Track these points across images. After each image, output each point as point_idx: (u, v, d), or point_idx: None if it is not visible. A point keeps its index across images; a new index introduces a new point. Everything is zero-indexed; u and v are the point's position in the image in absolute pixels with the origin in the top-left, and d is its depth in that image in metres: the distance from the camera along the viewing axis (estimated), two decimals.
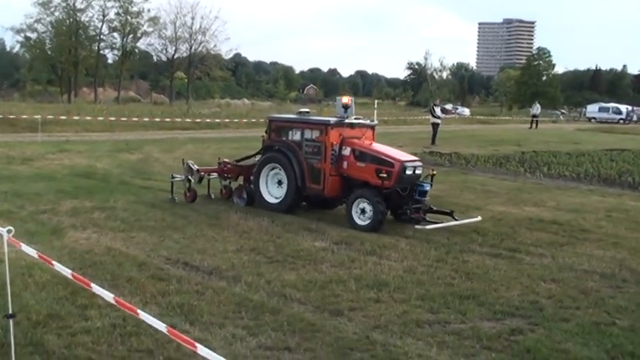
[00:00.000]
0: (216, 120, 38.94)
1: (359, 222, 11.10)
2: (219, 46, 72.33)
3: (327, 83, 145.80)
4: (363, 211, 11.09)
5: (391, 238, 10.50)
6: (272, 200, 12.40)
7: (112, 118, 33.49)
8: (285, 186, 12.18)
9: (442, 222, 11.13)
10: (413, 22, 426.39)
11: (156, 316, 6.56)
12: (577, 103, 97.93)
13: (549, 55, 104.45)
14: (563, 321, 6.94)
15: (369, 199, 11.01)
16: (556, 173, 19.99)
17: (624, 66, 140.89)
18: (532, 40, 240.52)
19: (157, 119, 35.50)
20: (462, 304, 7.30)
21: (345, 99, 12.36)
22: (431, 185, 11.69)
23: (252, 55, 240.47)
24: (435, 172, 12.03)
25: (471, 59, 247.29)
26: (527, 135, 40.15)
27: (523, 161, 22.98)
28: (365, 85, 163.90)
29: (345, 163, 11.67)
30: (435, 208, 11.72)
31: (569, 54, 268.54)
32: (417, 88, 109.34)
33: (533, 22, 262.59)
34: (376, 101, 50.38)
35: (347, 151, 11.67)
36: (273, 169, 12.47)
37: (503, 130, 45.38)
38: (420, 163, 11.68)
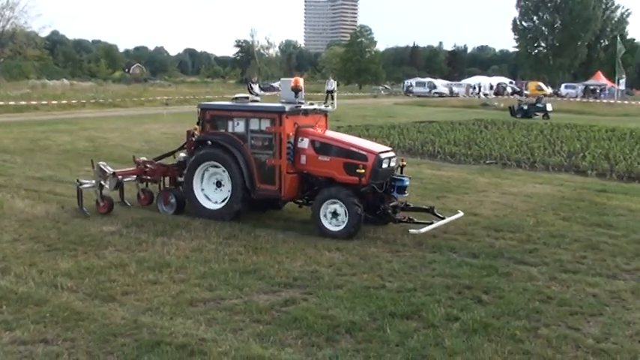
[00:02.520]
0: (25, 102, 36.41)
1: (330, 227, 9.47)
2: (30, 22, 67.46)
3: (154, 61, 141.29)
4: (334, 214, 9.47)
5: (186, 217, 10.33)
6: (210, 205, 10.42)
7: None
8: (226, 188, 10.31)
9: (432, 222, 9.77)
10: None
11: None
12: (398, 78, 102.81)
13: (371, 33, 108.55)
14: (337, 288, 7.19)
15: (343, 199, 9.39)
16: None
17: (440, 43, 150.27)
18: (356, 17, 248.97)
19: None
20: (242, 280, 7.33)
21: (301, 81, 10.48)
22: (409, 178, 10.33)
23: (71, 33, 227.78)
24: (405, 163, 10.69)
25: (299, 36, 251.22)
26: (347, 110, 41.38)
27: None
28: (194, 63, 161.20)
29: (302, 158, 9.96)
30: (412, 205, 10.42)
31: (390, 31, 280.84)
32: (246, 65, 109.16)
33: (355, 0, 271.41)
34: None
35: (304, 144, 9.95)
36: (209, 168, 10.49)
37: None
38: (393, 154, 10.23)
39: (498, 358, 5.49)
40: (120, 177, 10.96)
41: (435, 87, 75.23)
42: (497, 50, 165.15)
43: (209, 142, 10.42)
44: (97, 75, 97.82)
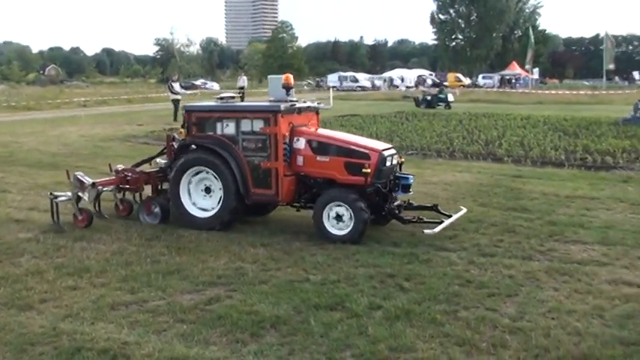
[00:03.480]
0: None
1: (334, 232, 8.94)
2: None
3: (70, 62, 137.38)
4: (338, 217, 8.97)
5: (105, 221, 10.09)
6: (199, 214, 9.73)
7: None
8: (216, 194, 9.67)
9: (443, 221, 9.33)
10: None
11: None
12: (321, 73, 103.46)
13: (292, 28, 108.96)
14: (262, 283, 7.19)
15: (348, 202, 8.86)
16: None
17: (361, 37, 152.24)
18: (276, 13, 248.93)
19: None
20: (165, 281, 7.23)
21: (291, 78, 10.02)
22: (413, 175, 9.91)
23: None
24: (403, 160, 10.19)
25: (220, 34, 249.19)
26: None
27: None
28: (113, 63, 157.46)
29: (299, 159, 9.42)
30: (415, 204, 9.97)
31: (311, 27, 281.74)
32: (167, 64, 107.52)
33: None
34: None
35: (300, 144, 9.41)
36: (197, 173, 9.78)
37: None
38: (395, 151, 9.71)
39: (420, 342, 5.63)
40: (100, 187, 10.11)
41: (356, 80, 76.47)
42: (416, 43, 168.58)
43: (198, 146, 9.79)
44: (9, 77, 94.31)
